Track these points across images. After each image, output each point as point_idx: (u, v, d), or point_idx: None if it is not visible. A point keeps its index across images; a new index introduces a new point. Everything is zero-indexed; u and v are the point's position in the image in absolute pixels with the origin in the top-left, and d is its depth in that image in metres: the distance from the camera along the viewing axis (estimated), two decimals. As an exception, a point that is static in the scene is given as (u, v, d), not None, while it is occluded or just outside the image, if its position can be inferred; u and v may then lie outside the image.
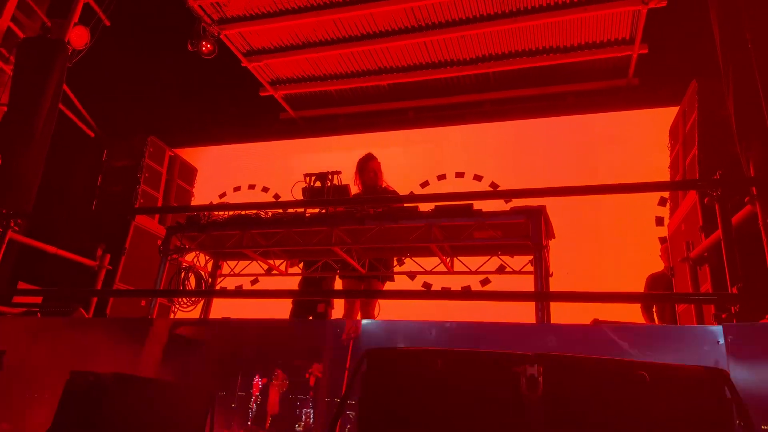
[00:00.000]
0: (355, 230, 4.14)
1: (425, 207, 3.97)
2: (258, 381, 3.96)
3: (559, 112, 7.33)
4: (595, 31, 6.84)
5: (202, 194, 7.23)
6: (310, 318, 4.52)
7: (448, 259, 4.16)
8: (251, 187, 8.03)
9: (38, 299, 4.82)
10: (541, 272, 3.41)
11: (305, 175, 4.45)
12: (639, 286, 5.45)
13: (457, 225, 3.85)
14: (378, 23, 7.13)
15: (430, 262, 4.45)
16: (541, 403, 1.63)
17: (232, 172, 8.05)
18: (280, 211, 4.30)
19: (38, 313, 4.33)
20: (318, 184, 4.41)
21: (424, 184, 7.44)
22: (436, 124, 7.90)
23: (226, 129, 8.31)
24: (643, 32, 6.59)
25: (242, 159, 8.22)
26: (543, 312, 3.26)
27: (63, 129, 5.55)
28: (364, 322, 3.72)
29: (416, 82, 7.92)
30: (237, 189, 7.99)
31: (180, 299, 4.27)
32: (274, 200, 4.53)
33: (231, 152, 8.31)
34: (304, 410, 3.89)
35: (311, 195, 4.38)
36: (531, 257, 3.95)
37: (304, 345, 3.79)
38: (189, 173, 6.42)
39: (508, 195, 3.52)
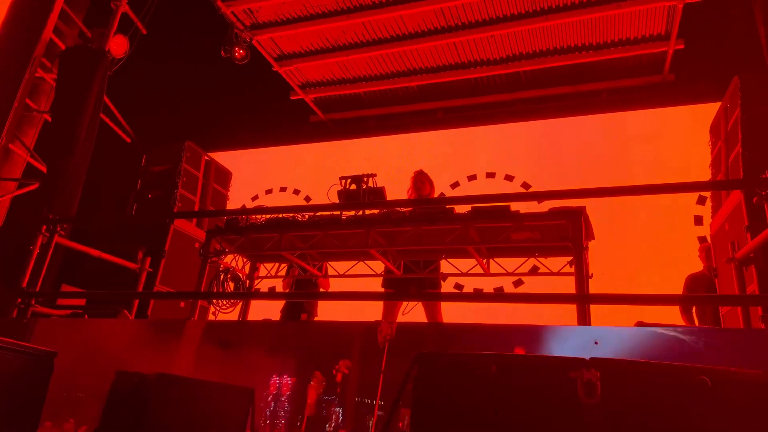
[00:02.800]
0: (391, 232, 4.16)
1: (461, 209, 3.96)
2: (289, 381, 4.02)
3: (593, 110, 7.22)
4: (629, 28, 6.72)
5: (237, 197, 7.35)
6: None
7: (484, 261, 4.14)
8: (282, 189, 8.12)
9: (81, 302, 4.97)
10: (582, 274, 3.37)
11: (341, 178, 4.48)
12: (678, 287, 5.34)
13: (494, 227, 3.83)
14: (407, 25, 7.14)
15: (464, 263, 4.44)
16: (599, 408, 1.62)
17: (265, 175, 8.16)
18: (317, 213, 4.34)
19: (85, 315, 4.46)
20: (353, 186, 4.44)
21: (455, 185, 7.41)
22: (466, 125, 7.86)
23: (258, 133, 8.42)
24: (679, 27, 6.45)
25: (274, 162, 8.32)
26: (585, 315, 3.22)
27: (101, 135, 5.70)
28: (400, 324, 3.73)
29: (445, 82, 7.90)
30: (269, 192, 8.09)
31: (219, 301, 4.34)
32: (310, 204, 4.58)
33: (263, 155, 8.42)
34: (333, 409, 3.92)
35: (347, 198, 4.41)
36: (568, 258, 3.91)
37: (334, 344, 3.83)
38: (224, 177, 6.53)
39: (546, 197, 3.48)
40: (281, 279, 5.20)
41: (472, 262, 4.31)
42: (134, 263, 5.02)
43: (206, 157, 6.25)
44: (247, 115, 8.34)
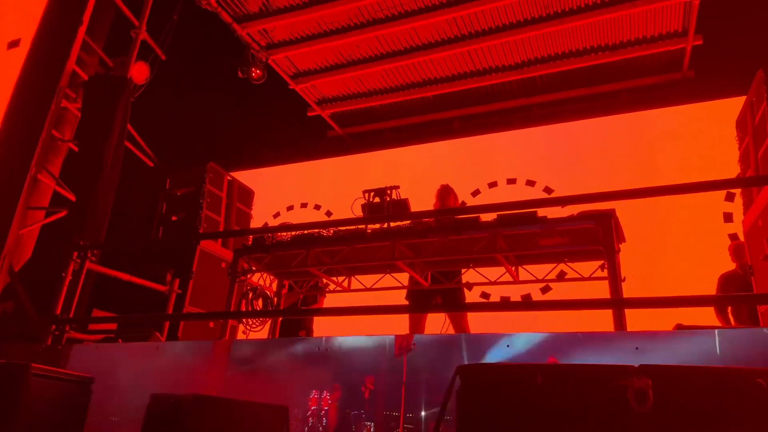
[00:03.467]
0: (418, 244, 4.14)
1: (486, 217, 3.93)
2: (319, 396, 4.01)
3: (612, 111, 7.15)
4: (644, 26, 6.67)
5: (260, 215, 7.41)
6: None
7: (513, 269, 4.09)
8: (303, 205, 8.17)
9: (113, 326, 5.03)
10: (616, 278, 3.31)
11: (364, 192, 4.48)
12: (710, 286, 5.22)
13: (521, 233, 3.79)
14: (420, 36, 7.17)
15: (491, 272, 4.40)
16: (652, 417, 1.58)
17: (286, 192, 8.22)
18: (341, 228, 4.34)
19: (119, 339, 4.51)
20: (377, 199, 4.44)
21: (475, 193, 7.38)
22: (484, 132, 7.85)
23: (278, 150, 8.51)
24: (697, 23, 6.38)
25: (294, 178, 8.39)
26: (621, 320, 3.15)
27: (125, 161, 5.80)
28: (416, 337, 3.71)
29: (461, 91, 7.90)
30: (290, 208, 8.14)
31: (249, 320, 4.36)
32: (335, 219, 4.59)
33: (283, 173, 8.49)
34: (364, 423, 3.89)
35: (371, 211, 4.41)
36: (598, 263, 3.85)
37: (357, 360, 3.81)
38: (247, 196, 6.59)
39: (574, 201, 3.43)
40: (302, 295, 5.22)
41: (498, 270, 4.27)
42: (163, 285, 5.08)
43: (228, 177, 6.32)
44: (265, 133, 8.43)
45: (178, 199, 5.91)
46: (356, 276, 4.71)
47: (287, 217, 7.76)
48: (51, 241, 5.76)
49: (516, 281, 4.13)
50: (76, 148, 5.54)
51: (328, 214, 7.80)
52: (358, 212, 4.49)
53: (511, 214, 3.75)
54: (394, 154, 8.14)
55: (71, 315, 4.21)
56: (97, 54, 6.50)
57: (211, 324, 5.04)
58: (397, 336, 3.55)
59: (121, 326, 4.77)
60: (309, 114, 8.43)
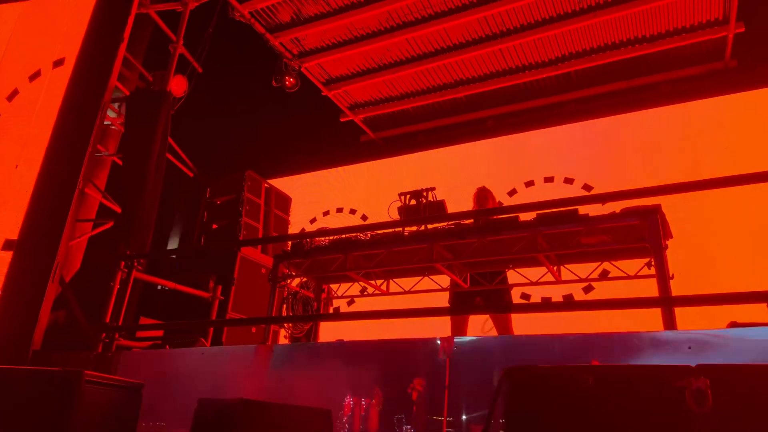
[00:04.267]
0: (456, 245, 4.11)
1: (525, 216, 3.87)
2: (360, 399, 4.01)
3: (651, 104, 6.95)
4: (683, 16, 6.46)
5: (297, 221, 7.50)
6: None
7: (554, 268, 4.02)
8: (339, 210, 8.23)
9: (160, 332, 5.16)
10: (664, 275, 3.21)
11: (400, 195, 4.49)
12: (764, 282, 4.99)
13: (562, 232, 3.71)
14: (451, 36, 7.14)
15: (532, 272, 4.33)
16: (711, 417, 1.52)
17: (321, 198, 8.30)
18: (379, 231, 4.35)
19: (166, 346, 4.63)
20: (413, 202, 4.43)
21: (512, 193, 7.28)
22: (519, 130, 7.74)
23: (312, 156, 8.61)
24: (738, 10, 6.14)
25: (329, 184, 8.46)
26: (671, 318, 3.05)
27: (166, 172, 5.95)
28: (457, 339, 3.68)
29: (494, 90, 7.82)
30: (326, 213, 8.22)
31: (290, 324, 4.41)
32: (372, 222, 4.61)
33: (318, 178, 8.58)
34: (403, 428, 3.87)
35: (408, 213, 4.40)
36: (643, 260, 3.74)
37: (399, 363, 3.80)
38: (284, 202, 6.70)
39: (617, 197, 3.34)
40: (346, 299, 5.25)
41: (539, 271, 4.20)
42: (206, 292, 5.19)
43: (266, 185, 6.43)
44: (300, 140, 8.55)
45: (218, 207, 6.05)
46: (394, 279, 4.72)
47: (324, 222, 7.83)
48: (98, 251, 5.98)
49: (558, 281, 4.05)
50: (120, 162, 5.73)
51: (364, 218, 7.83)
52: (395, 215, 4.49)
53: (551, 212, 3.68)
54: (429, 156, 8.12)
55: (120, 323, 4.35)
56: (137, 69, 6.73)
57: (254, 329, 5.12)
58: (440, 339, 3.53)
59: (167, 333, 4.89)
60: (342, 119, 8.50)
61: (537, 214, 3.76)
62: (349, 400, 4.11)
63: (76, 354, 4.28)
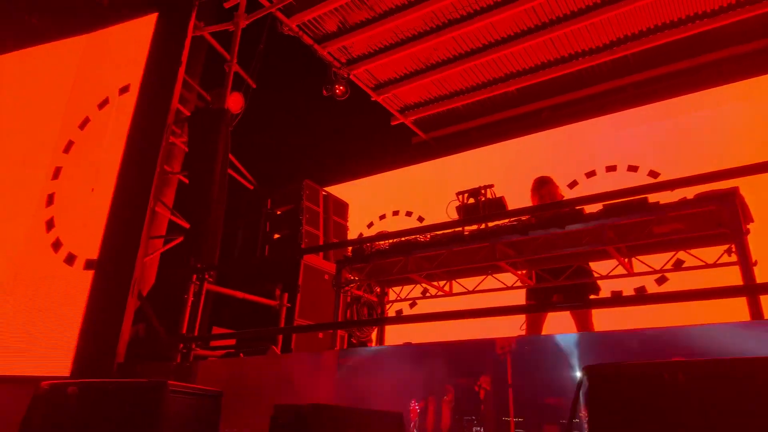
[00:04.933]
0: (519, 242, 4.04)
1: (590, 208, 3.74)
2: (427, 401, 4.00)
3: (717, 82, 6.57)
4: (747, -14, 6.08)
5: (355, 226, 7.58)
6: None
7: (625, 260, 3.87)
8: (395, 213, 8.26)
9: (232, 341, 5.34)
10: (747, 262, 3.02)
11: (458, 194, 4.45)
12: None
13: (632, 223, 3.57)
14: (499, 30, 7.03)
15: (601, 265, 4.18)
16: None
17: (376, 202, 8.36)
18: (438, 233, 4.33)
19: (240, 354, 4.80)
20: (471, 200, 4.39)
21: (573, 184, 7.07)
22: (575, 120, 7.51)
23: (365, 161, 8.70)
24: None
25: (384, 188, 8.51)
26: (756, 307, 2.87)
27: (228, 186, 6.14)
28: (521, 337, 3.58)
29: (546, 80, 7.64)
30: (382, 217, 8.27)
31: (356, 329, 4.46)
32: (430, 224, 4.59)
33: (372, 183, 8.65)
34: (473, 429, 3.82)
35: (466, 212, 4.36)
36: (722, 248, 3.54)
37: (470, 362, 3.75)
38: (342, 208, 6.80)
39: (690, 182, 3.16)
40: (408, 301, 5.26)
41: (610, 264, 4.05)
42: (273, 300, 5.34)
43: (323, 192, 6.54)
44: (353, 146, 8.65)
45: (279, 217, 6.21)
46: (457, 280, 4.68)
47: (381, 226, 7.88)
48: (170, 266, 6.26)
49: (630, 273, 3.90)
50: (185, 180, 5.99)
51: (420, 219, 7.82)
52: (454, 215, 4.46)
53: (619, 203, 3.55)
54: (483, 153, 8.01)
55: (195, 333, 4.53)
56: (195, 89, 7.01)
57: (321, 335, 5.22)
58: (505, 338, 3.47)
59: (239, 341, 5.06)
60: (393, 123, 8.54)
61: (603, 205, 3.63)
62: (416, 403, 4.11)
63: (157, 365, 4.50)
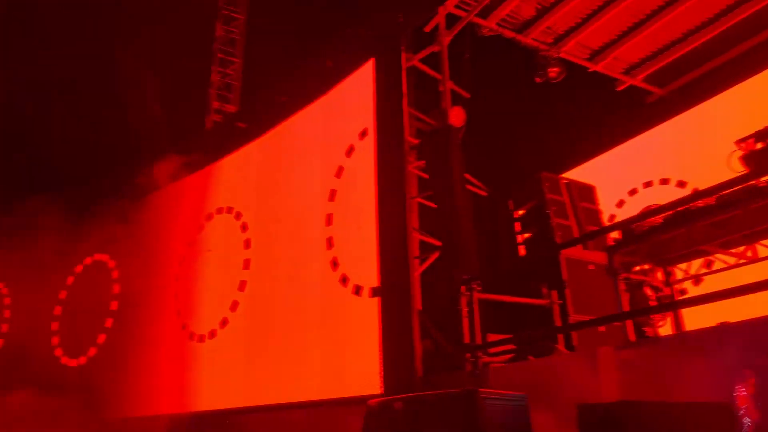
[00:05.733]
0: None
1: None
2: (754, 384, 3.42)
3: None
4: None
5: (605, 209, 7.03)
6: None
7: None
8: (647, 184, 7.45)
9: (508, 346, 5.38)
10: None
11: (738, 142, 3.82)
12: None
13: None
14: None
15: None
16: None
17: (621, 177, 7.67)
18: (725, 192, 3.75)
19: (529, 357, 4.82)
20: (760, 145, 3.72)
21: None
22: None
23: (598, 138, 8.12)
24: None
25: (627, 160, 7.79)
26: None
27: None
28: None
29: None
30: (633, 192, 7.54)
31: (650, 316, 4.11)
32: (711, 186, 3.97)
33: (613, 157, 7.99)
34: None
35: (757, 160, 3.70)
36: None
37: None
38: (588, 192, 6.40)
39: None
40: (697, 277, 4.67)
41: None
42: (542, 300, 5.24)
43: (564, 181, 6.26)
44: (580, 125, 8.15)
45: (525, 216, 6.13)
46: (761, 242, 3.98)
47: (636, 202, 7.17)
48: (429, 282, 6.63)
49: None
50: (423, 201, 6.33)
51: (681, 184, 6.91)
52: (738, 168, 3.82)
53: None
54: (741, 91, 6.77)
55: (479, 342, 4.70)
56: (415, 114, 7.44)
57: (602, 328, 4.94)
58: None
59: (520, 344, 5.08)
60: (619, 88, 7.84)
61: None
62: (742, 388, 3.57)
63: (449, 375, 4.78)
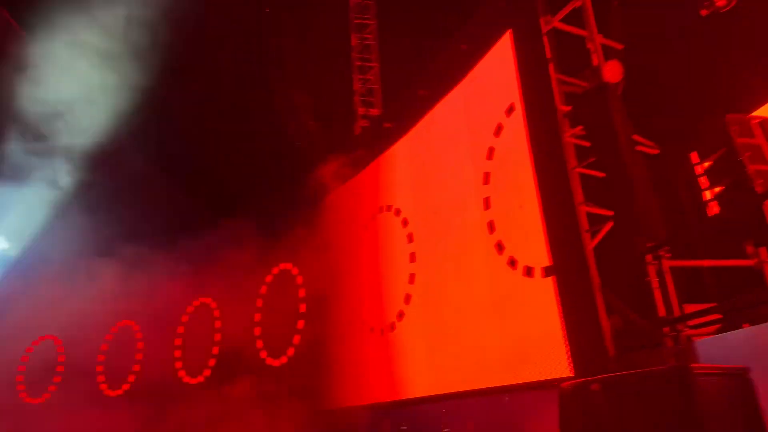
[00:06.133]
0: None
1: None
2: None
3: None
4: None
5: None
6: None
7: None
8: None
9: (713, 316, 4.76)
10: None
11: None
12: None
13: None
14: None
15: None
16: None
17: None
18: None
19: (743, 325, 4.23)
20: None
21: None
22: None
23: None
24: None
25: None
26: None
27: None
28: None
29: None
30: None
31: None
32: None
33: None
34: None
35: None
36: None
37: None
38: (792, 129, 5.43)
39: None
40: None
41: None
42: (746, 260, 4.57)
43: (756, 120, 5.38)
44: (761, 54, 6.90)
45: (712, 168, 5.39)
46: None
47: None
48: (603, 256, 6.15)
49: None
50: (584, 171, 5.87)
51: None
52: None
53: None
54: None
55: (677, 314, 4.25)
56: (563, 80, 6.95)
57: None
58: None
59: (727, 314, 4.48)
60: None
61: None
62: None
63: (649, 352, 4.37)
